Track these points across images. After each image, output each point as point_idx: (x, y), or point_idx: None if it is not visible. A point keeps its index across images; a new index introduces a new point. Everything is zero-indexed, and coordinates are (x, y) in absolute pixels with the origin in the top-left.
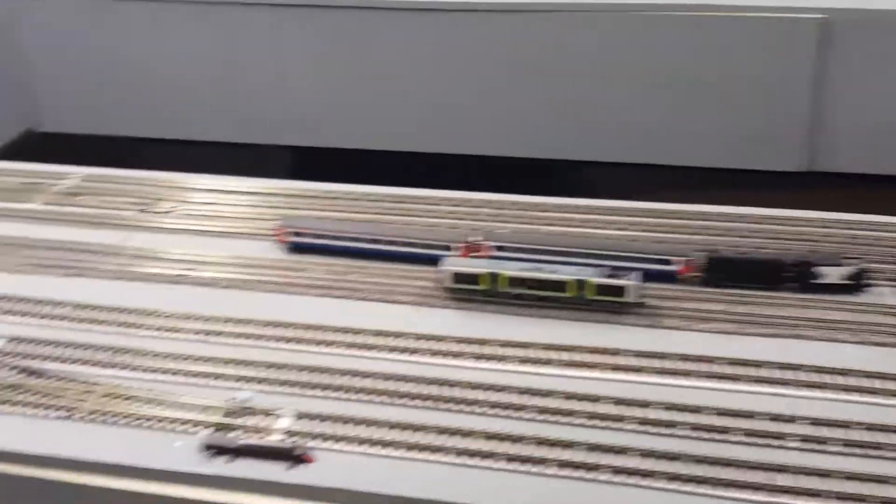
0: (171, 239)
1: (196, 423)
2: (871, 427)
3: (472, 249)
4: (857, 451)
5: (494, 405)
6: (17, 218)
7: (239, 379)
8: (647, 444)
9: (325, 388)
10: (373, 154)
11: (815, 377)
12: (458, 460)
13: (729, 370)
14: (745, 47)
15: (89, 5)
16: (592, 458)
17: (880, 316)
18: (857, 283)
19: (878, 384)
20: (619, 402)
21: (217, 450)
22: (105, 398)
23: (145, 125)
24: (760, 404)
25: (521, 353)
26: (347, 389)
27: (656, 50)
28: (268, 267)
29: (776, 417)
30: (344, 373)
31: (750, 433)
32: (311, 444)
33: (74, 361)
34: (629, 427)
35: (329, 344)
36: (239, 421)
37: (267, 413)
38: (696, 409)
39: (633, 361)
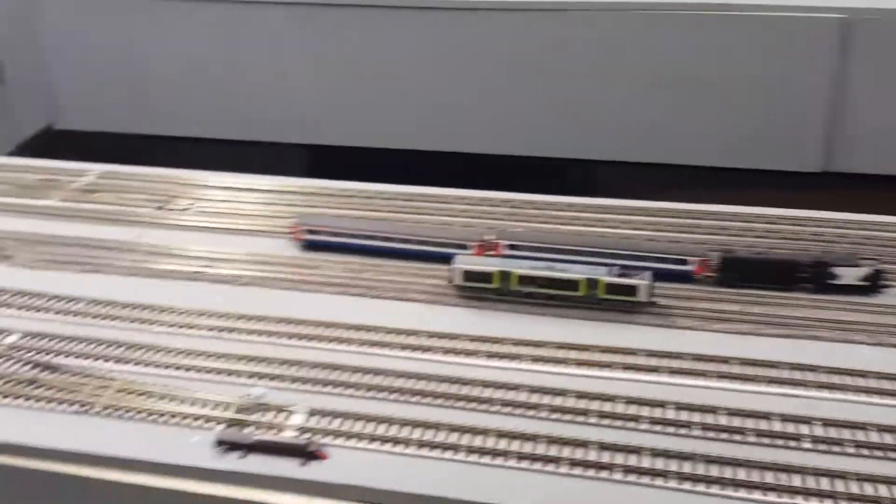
0: (186, 236)
1: (210, 419)
2: (886, 429)
3: (486, 248)
4: (872, 452)
5: (507, 404)
6: (34, 214)
7: (253, 375)
8: (660, 443)
9: (339, 385)
10: (386, 152)
11: (830, 378)
12: (471, 458)
13: (743, 370)
14: (764, 47)
15: (107, 4)
16: (605, 457)
17: None
18: (872, 285)
19: (893, 386)
20: (632, 401)
21: (230, 445)
22: (120, 393)
23: (161, 123)
24: (775, 405)
25: (534, 351)
26: (360, 387)
27: (674, 49)
28: (283, 264)
29: (791, 418)
30: (357, 370)
31: (764, 434)
32: (324, 440)
33: (90, 357)
34: (643, 427)
35: (343, 341)
36: (252, 417)
37: (280, 409)
38: (710, 410)
39: (648, 361)
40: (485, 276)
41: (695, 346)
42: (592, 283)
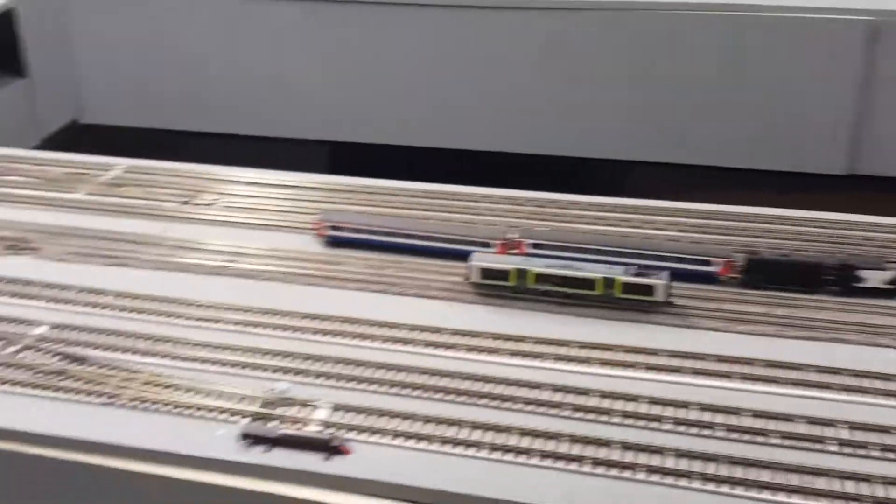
0: (212, 231)
1: (234, 413)
2: None
3: (509, 246)
4: None
5: (530, 402)
6: (62, 207)
7: (277, 370)
8: (683, 444)
9: (362, 381)
10: (408, 150)
11: (855, 381)
12: (493, 456)
13: (767, 372)
14: (791, 49)
15: (133, 0)
16: (628, 457)
17: None
18: None
19: None
20: (655, 401)
21: (255, 439)
22: (146, 386)
23: (184, 118)
24: (799, 407)
25: (557, 350)
26: (383, 383)
27: (700, 50)
28: (306, 260)
29: (815, 421)
30: (380, 366)
31: (788, 436)
32: (347, 436)
33: (117, 349)
34: (666, 427)
35: (365, 337)
36: (276, 411)
37: (305, 404)
38: (733, 411)
39: (671, 361)
40: (502, 274)
41: (719, 347)
42: (609, 283)
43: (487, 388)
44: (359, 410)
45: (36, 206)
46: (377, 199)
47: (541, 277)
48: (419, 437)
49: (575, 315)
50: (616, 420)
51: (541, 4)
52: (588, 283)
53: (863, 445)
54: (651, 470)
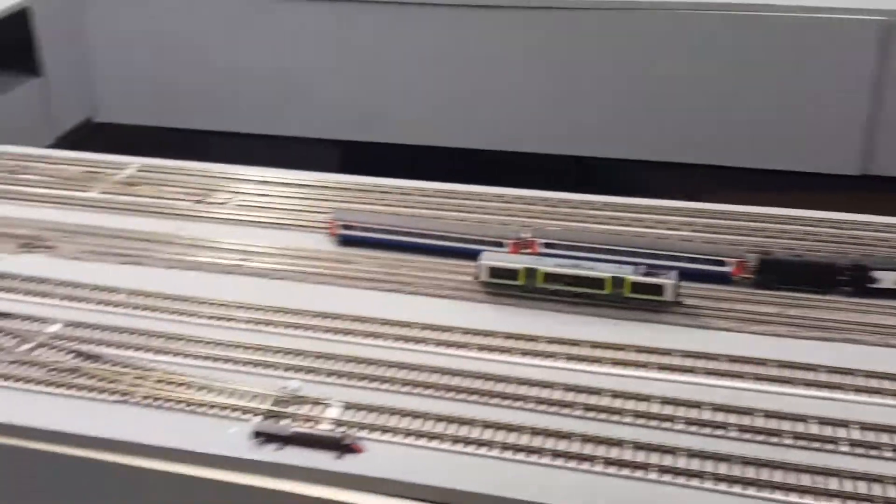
0: (225, 229)
1: (246, 411)
2: None
3: (522, 246)
4: None
5: (542, 401)
6: (76, 206)
7: (288, 368)
8: (695, 444)
9: (373, 379)
10: (420, 149)
11: (868, 382)
12: (505, 455)
13: (780, 372)
14: (805, 48)
15: None
16: (640, 456)
17: None
18: None
19: None
20: (668, 401)
21: (267, 437)
22: (160, 384)
23: (197, 117)
24: (812, 408)
25: (569, 350)
26: (395, 382)
27: (712, 49)
28: (318, 259)
29: (828, 421)
30: (392, 365)
31: (801, 436)
32: (359, 434)
33: (130, 347)
34: (678, 427)
35: (377, 336)
36: (288, 409)
37: (316, 402)
38: (746, 411)
39: (685, 362)
40: (511, 273)
41: (731, 348)
42: (618, 282)
43: (499, 387)
44: (370, 409)
45: (51, 204)
46: (389, 199)
47: (550, 277)
48: (431, 436)
49: (584, 314)
50: (628, 420)
51: (560, 4)
52: (597, 283)
53: (875, 446)
54: (663, 470)
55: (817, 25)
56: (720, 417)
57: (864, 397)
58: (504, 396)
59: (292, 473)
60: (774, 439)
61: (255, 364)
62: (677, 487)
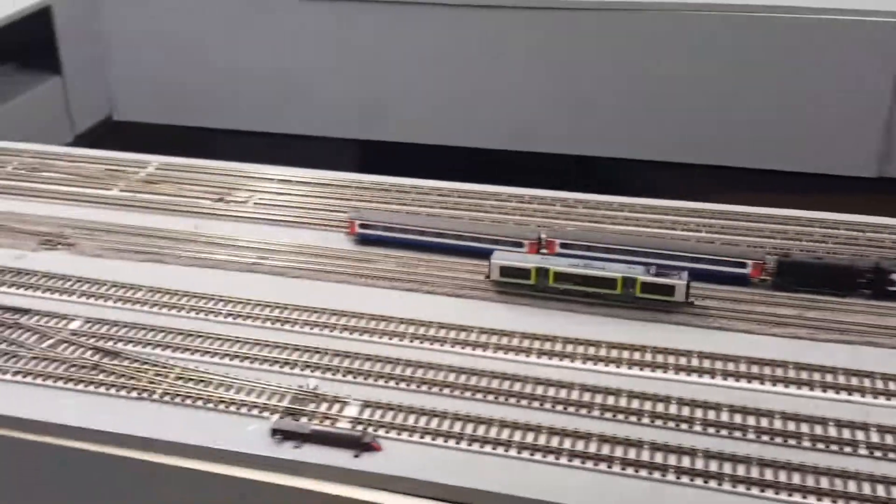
0: (243, 227)
1: (265, 408)
2: None
3: (540, 246)
4: None
5: (559, 402)
6: (97, 203)
7: (307, 366)
8: (713, 446)
9: (391, 378)
10: (434, 148)
11: (887, 385)
12: (523, 455)
13: (799, 375)
14: (822, 50)
15: None
16: (658, 457)
17: None
18: None
19: None
20: (686, 403)
21: (286, 435)
22: (179, 380)
23: (213, 116)
24: (830, 410)
25: (586, 350)
26: (413, 380)
27: (732, 51)
28: (337, 257)
29: (846, 424)
30: (409, 364)
31: (819, 439)
32: (377, 433)
33: (150, 344)
34: (696, 428)
35: (395, 335)
36: (307, 408)
37: (335, 401)
38: (765, 413)
39: (703, 363)
40: (522, 273)
41: (749, 349)
42: (629, 282)
43: (517, 386)
44: (388, 408)
45: (71, 202)
46: (407, 198)
47: (561, 276)
48: (449, 435)
49: (596, 314)
50: (646, 421)
51: (578, 5)
52: (608, 283)
53: (894, 449)
54: (681, 471)
55: (837, 27)
56: (738, 419)
57: (882, 400)
58: (522, 396)
59: (311, 471)
60: (793, 441)
61: (274, 362)
62: (695, 489)
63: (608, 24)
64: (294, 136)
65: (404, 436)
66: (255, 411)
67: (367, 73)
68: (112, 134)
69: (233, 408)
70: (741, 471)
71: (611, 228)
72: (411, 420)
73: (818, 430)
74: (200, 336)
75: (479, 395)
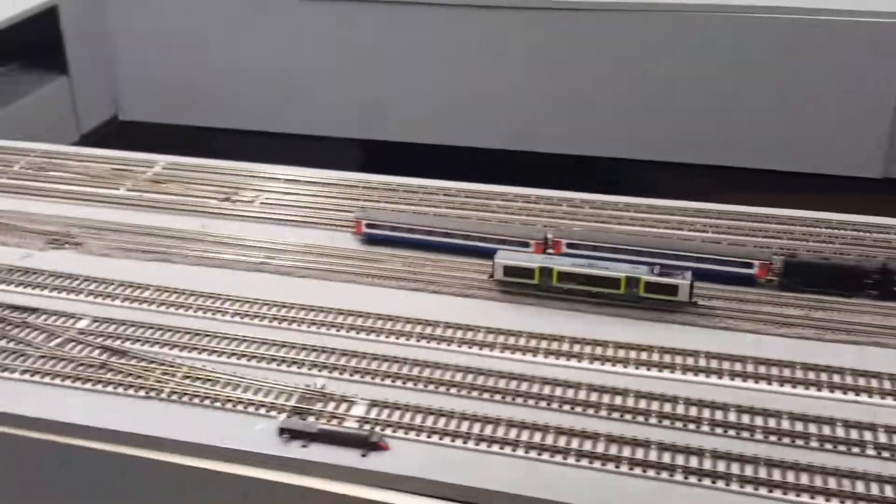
0: (250, 227)
1: (272, 407)
2: None
3: (546, 246)
4: None
5: (567, 401)
6: (104, 203)
7: (314, 365)
8: (721, 446)
9: (398, 377)
10: (440, 149)
11: (894, 385)
12: (531, 455)
13: (807, 375)
14: (829, 52)
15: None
16: (666, 458)
17: None
18: None
19: None
20: (693, 403)
21: (292, 434)
22: (186, 379)
23: (221, 116)
24: (838, 411)
25: (594, 350)
26: (420, 380)
27: (737, 51)
28: (344, 257)
29: (854, 424)
30: (416, 363)
31: (827, 439)
32: (384, 432)
33: (157, 343)
34: (704, 428)
35: (402, 334)
36: (314, 407)
37: (342, 400)
38: (773, 414)
39: (710, 363)
40: (526, 272)
41: (757, 350)
42: (633, 282)
43: (524, 386)
44: (395, 407)
45: (78, 201)
46: (414, 198)
47: (564, 276)
48: (456, 435)
49: (601, 314)
50: (654, 421)
51: (578, 5)
52: (612, 282)
53: None
54: (689, 471)
55: (843, 28)
56: (746, 420)
57: (890, 401)
58: (529, 396)
59: (318, 470)
60: (801, 442)
61: (281, 361)
62: (703, 489)
63: (609, 25)
64: (297, 136)
65: (411, 435)
66: (262, 410)
67: (369, 73)
68: (117, 133)
69: (240, 407)
70: (749, 471)
71: (617, 228)
72: (418, 419)
73: (826, 430)
74: (208, 335)
75: (486, 395)
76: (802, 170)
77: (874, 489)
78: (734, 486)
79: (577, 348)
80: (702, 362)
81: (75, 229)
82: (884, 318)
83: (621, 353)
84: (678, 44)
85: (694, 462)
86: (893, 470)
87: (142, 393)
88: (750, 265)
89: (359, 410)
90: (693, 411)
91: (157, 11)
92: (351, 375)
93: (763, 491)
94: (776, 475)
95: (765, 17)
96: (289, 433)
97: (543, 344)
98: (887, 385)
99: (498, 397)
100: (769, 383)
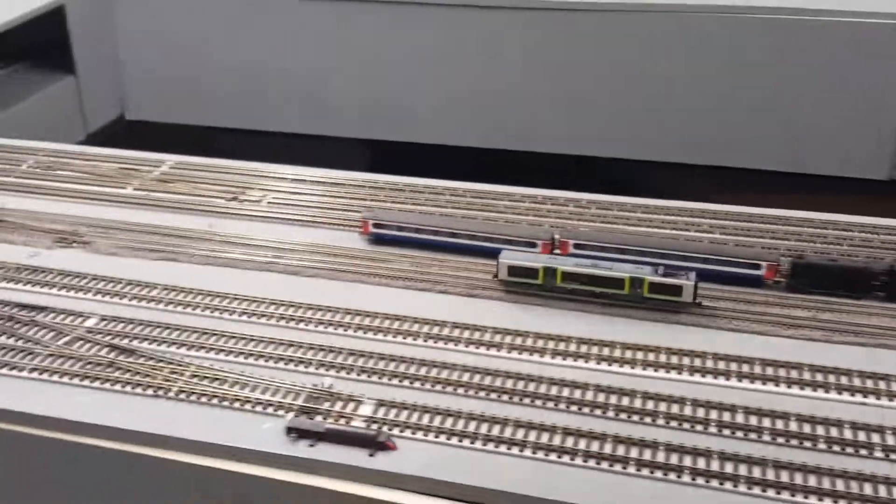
0: (258, 226)
1: (279, 407)
2: None
3: (553, 247)
4: None
5: (574, 402)
6: (112, 202)
7: (321, 365)
8: (729, 447)
9: (405, 377)
10: (444, 149)
11: None
12: (538, 455)
13: (814, 377)
14: (837, 53)
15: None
16: (673, 459)
17: None
18: None
19: None
20: (700, 404)
21: (300, 433)
22: (194, 378)
23: (227, 115)
24: (846, 413)
25: (601, 351)
26: (427, 380)
27: (747, 52)
28: (351, 257)
29: (862, 427)
30: (423, 363)
31: (835, 441)
32: (391, 432)
33: (165, 342)
34: (712, 430)
35: (409, 334)
36: (322, 406)
37: (350, 399)
38: (781, 415)
39: (718, 365)
40: (530, 272)
41: (764, 351)
42: (636, 282)
43: (531, 387)
44: (403, 407)
45: (86, 200)
46: (421, 198)
47: (569, 276)
48: (463, 435)
49: (606, 315)
50: (661, 422)
51: (587, 7)
52: (616, 283)
53: None
54: (696, 473)
55: (850, 30)
56: (754, 421)
57: None
58: (536, 396)
59: (325, 470)
60: (808, 444)
61: (289, 360)
62: (710, 491)
63: (610, 25)
64: (302, 136)
65: (419, 435)
66: (270, 409)
67: (372, 73)
68: (124, 133)
69: (248, 406)
70: (756, 473)
71: (624, 229)
72: (426, 419)
73: (834, 432)
74: (216, 334)
75: (493, 395)
76: (809, 171)
77: (882, 491)
78: (742, 488)
79: (584, 349)
80: (709, 363)
81: (83, 228)
82: (891, 319)
83: (628, 354)
84: (682, 44)
85: (701, 463)
86: None
87: (150, 391)
88: (758, 266)
89: (366, 410)
90: (701, 412)
91: (164, 11)
92: (358, 375)
93: (771, 493)
94: (784, 477)
95: (773, 18)
96: (296, 432)
97: (551, 344)
98: (895, 387)
99: (505, 398)
100: (777, 385)
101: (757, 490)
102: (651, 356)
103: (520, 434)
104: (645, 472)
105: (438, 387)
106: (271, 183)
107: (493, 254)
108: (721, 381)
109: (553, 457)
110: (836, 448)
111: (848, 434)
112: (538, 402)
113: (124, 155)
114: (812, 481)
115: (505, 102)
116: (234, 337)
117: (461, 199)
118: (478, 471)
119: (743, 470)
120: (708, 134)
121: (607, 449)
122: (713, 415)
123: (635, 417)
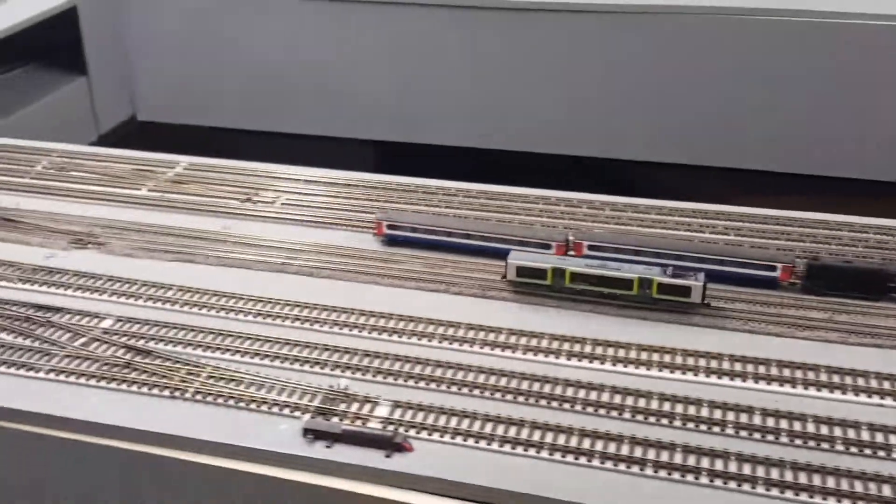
0: (272, 227)
1: (296, 408)
2: None
3: (567, 248)
4: None
5: (590, 403)
6: (126, 203)
7: (337, 366)
8: (746, 449)
9: (421, 378)
10: (458, 150)
11: None
12: (555, 457)
13: (831, 378)
14: (854, 55)
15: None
16: (691, 461)
17: None
18: None
19: None
20: (718, 406)
21: (316, 434)
22: (210, 379)
23: (235, 117)
24: (864, 414)
25: (615, 352)
26: (443, 381)
27: (767, 55)
28: (365, 258)
29: (879, 428)
30: (439, 364)
31: (853, 443)
32: (407, 433)
33: (181, 343)
34: (729, 431)
35: (424, 336)
36: (338, 407)
37: (366, 401)
38: (798, 417)
39: (734, 366)
40: (538, 273)
41: (780, 353)
42: (645, 283)
43: (547, 388)
44: (419, 408)
45: (101, 201)
46: (434, 199)
47: (577, 277)
48: (479, 436)
49: (616, 315)
50: (677, 423)
51: (599, 8)
52: (625, 283)
53: None
54: (714, 474)
55: (867, 32)
56: (771, 422)
57: None
58: (551, 398)
59: (342, 471)
60: (826, 445)
61: (304, 361)
62: (728, 492)
63: (614, 26)
64: (313, 137)
65: (434, 436)
66: (286, 411)
67: (393, 75)
68: (135, 134)
69: (264, 407)
70: (774, 474)
71: (638, 231)
72: (442, 421)
73: (851, 433)
74: (231, 335)
75: (509, 397)
76: (824, 173)
77: None
78: (760, 489)
79: (599, 350)
80: (725, 365)
81: (98, 229)
82: None
83: (644, 356)
84: (692, 45)
85: (719, 465)
86: None
87: (166, 392)
88: (773, 268)
89: (382, 411)
90: (717, 414)
91: (176, 12)
92: (374, 376)
93: (789, 494)
94: (802, 478)
95: (791, 21)
96: (313, 434)
97: (565, 346)
98: None
99: (521, 399)
100: (793, 386)
101: (775, 492)
102: (667, 357)
103: (536, 436)
104: (662, 473)
105: (454, 388)
106: (285, 184)
107: (506, 255)
108: (737, 382)
109: (569, 458)
110: (854, 449)
111: (865, 435)
112: (554, 404)
113: (138, 156)
114: (830, 483)
115: (503, 103)
116: (249, 338)
117: (474, 200)
118: (494, 472)
119: (760, 471)
120: (723, 136)
121: (624, 450)
122: (730, 416)
123: (652, 419)
